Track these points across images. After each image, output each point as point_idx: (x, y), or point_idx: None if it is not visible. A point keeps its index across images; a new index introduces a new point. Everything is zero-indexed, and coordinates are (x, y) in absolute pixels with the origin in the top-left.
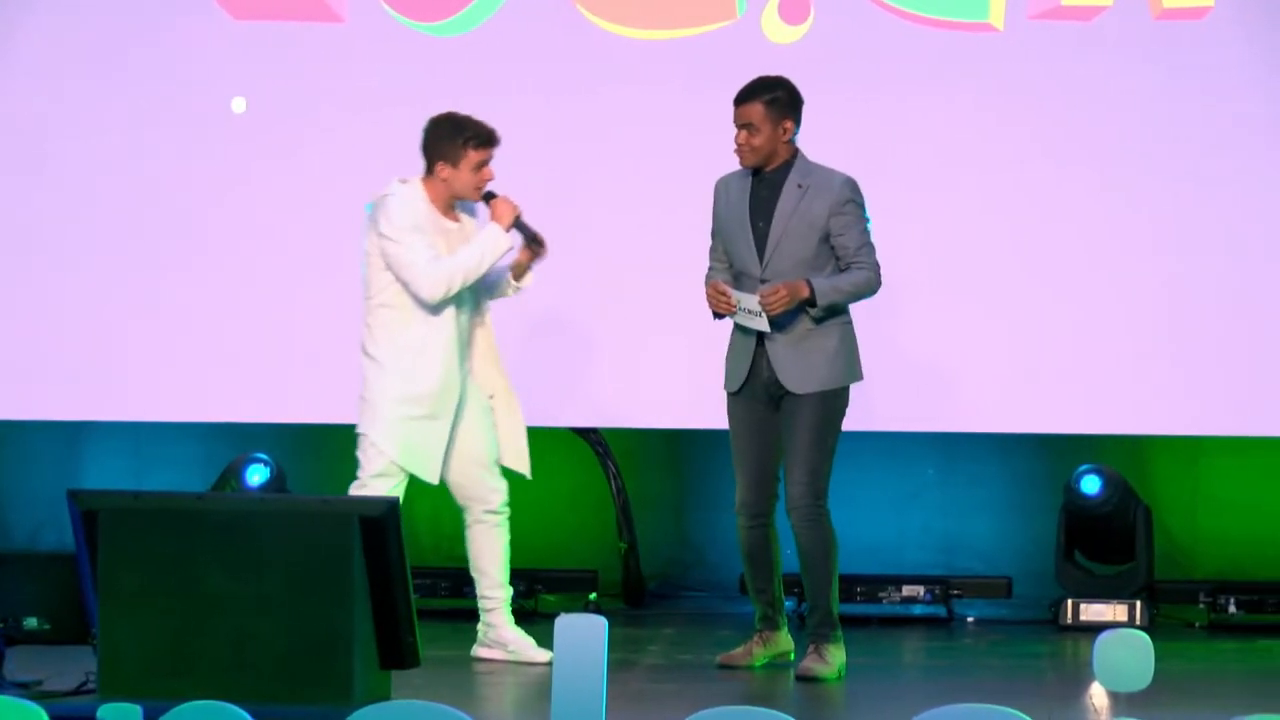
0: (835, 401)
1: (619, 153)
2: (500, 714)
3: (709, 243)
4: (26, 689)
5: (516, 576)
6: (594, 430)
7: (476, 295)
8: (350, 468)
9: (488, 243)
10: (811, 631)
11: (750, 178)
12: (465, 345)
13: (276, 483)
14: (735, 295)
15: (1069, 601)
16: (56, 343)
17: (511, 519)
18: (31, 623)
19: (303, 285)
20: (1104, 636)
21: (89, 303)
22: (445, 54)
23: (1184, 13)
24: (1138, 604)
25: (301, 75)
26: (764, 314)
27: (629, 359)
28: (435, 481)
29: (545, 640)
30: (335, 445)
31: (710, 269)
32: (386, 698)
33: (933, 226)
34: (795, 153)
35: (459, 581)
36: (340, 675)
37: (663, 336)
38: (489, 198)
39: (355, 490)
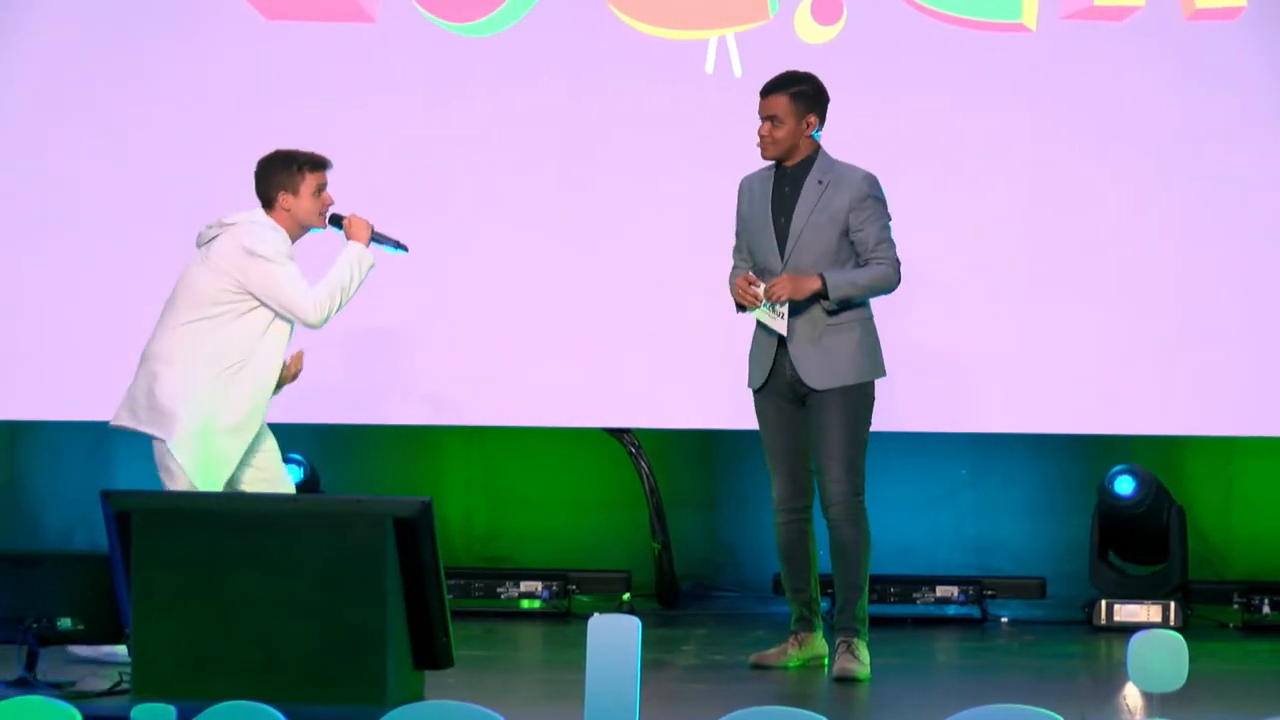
0: (860, 396)
1: (651, 152)
2: (533, 714)
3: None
4: (60, 690)
5: (550, 577)
6: (627, 430)
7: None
8: (385, 469)
9: (355, 260)
10: (842, 629)
11: (772, 175)
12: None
13: (310, 483)
14: (763, 290)
15: (1103, 602)
16: (87, 343)
17: (545, 520)
18: (65, 623)
19: None
20: (1138, 637)
21: (119, 303)
22: (477, 54)
23: (1216, 13)
24: (1171, 604)
25: (332, 75)
26: (784, 316)
27: (662, 359)
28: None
29: (579, 641)
30: (369, 446)
31: (734, 268)
32: (420, 698)
33: (965, 226)
34: (817, 149)
35: (492, 582)
36: (373, 676)
37: (695, 336)
38: (336, 221)
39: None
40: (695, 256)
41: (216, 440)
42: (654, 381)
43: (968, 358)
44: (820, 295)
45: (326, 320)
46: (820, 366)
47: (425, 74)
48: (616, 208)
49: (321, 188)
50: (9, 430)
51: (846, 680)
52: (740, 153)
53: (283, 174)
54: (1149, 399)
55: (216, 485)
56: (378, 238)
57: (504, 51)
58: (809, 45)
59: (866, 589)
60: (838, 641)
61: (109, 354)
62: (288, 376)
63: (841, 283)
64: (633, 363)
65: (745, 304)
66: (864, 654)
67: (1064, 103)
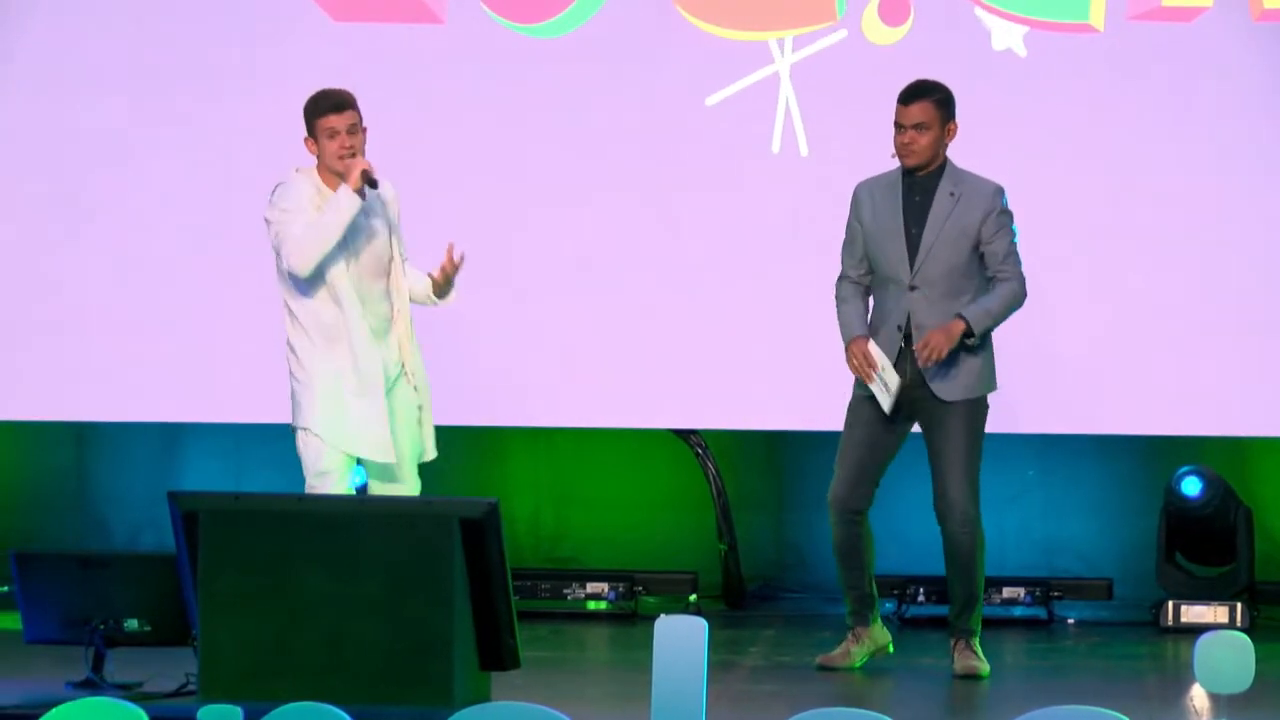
0: (980, 408)
1: (717, 153)
2: (600, 716)
3: (839, 250)
4: (127, 690)
5: (617, 578)
6: (694, 431)
7: (386, 288)
8: (452, 470)
9: (337, 203)
10: (958, 632)
11: (899, 182)
12: (382, 333)
13: None
14: (879, 359)
15: (1170, 603)
16: (156, 344)
17: (612, 521)
18: (132, 624)
19: None
20: (1204, 638)
21: (189, 305)
22: (545, 56)
23: None
24: (1238, 605)
25: (400, 77)
26: (893, 395)
27: (729, 360)
28: (391, 459)
29: (646, 642)
30: (436, 447)
31: (842, 278)
32: (486, 699)
33: (1033, 227)
34: (946, 159)
35: (559, 583)
36: (440, 677)
37: (763, 338)
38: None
39: (308, 490)
40: (764, 258)
41: (351, 409)
42: (721, 382)
43: (1035, 359)
44: (965, 334)
45: (312, 264)
46: (948, 378)
47: (493, 75)
48: (686, 209)
49: (335, 131)
50: (76, 431)
51: (970, 677)
52: (813, 155)
53: (308, 121)
54: (1216, 400)
55: (383, 450)
56: (368, 179)
57: (571, 53)
58: (876, 46)
59: (982, 596)
60: (953, 641)
61: (175, 355)
62: (448, 273)
63: (981, 316)
64: (699, 364)
65: (862, 379)
66: (980, 650)
67: (1131, 103)
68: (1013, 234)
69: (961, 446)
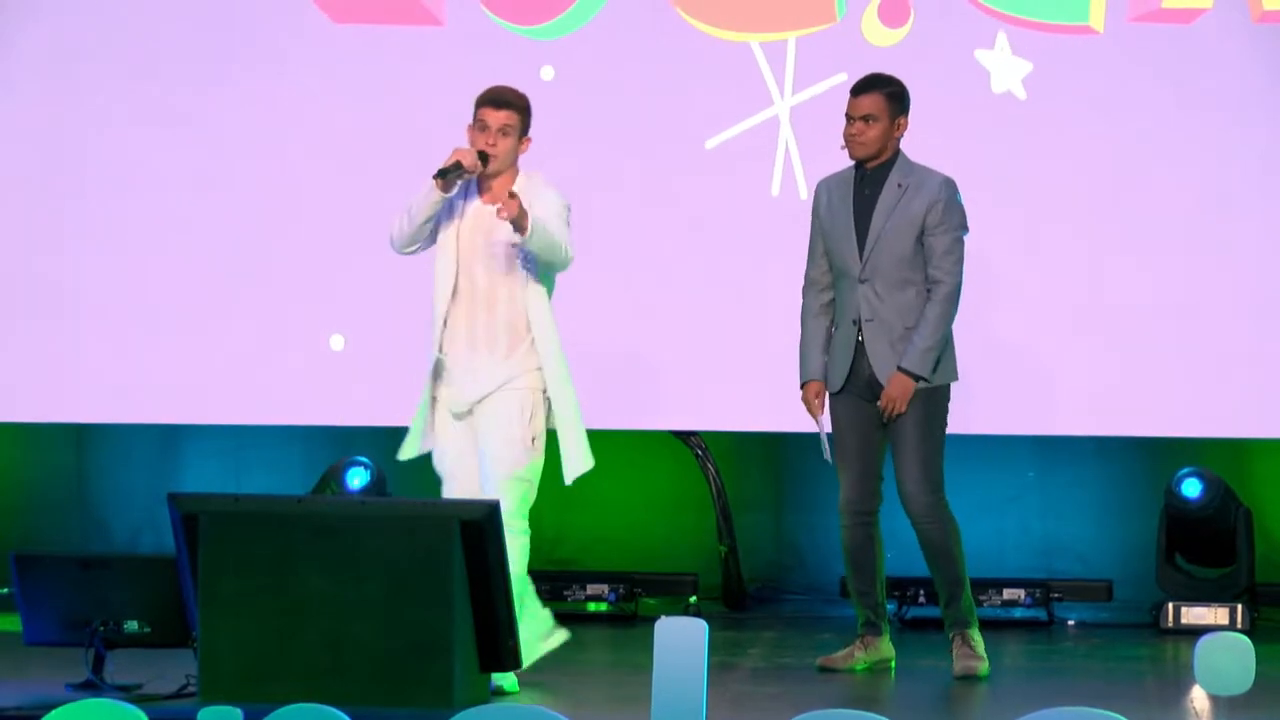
0: (935, 397)
1: (718, 155)
2: (599, 717)
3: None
4: (127, 692)
5: (617, 579)
6: (694, 433)
7: (492, 277)
8: None
9: (422, 189)
10: (952, 624)
11: (852, 177)
12: (478, 329)
13: (377, 486)
14: (823, 422)
15: (1170, 605)
16: (156, 346)
17: (612, 523)
18: (132, 626)
19: (402, 289)
20: (1204, 640)
21: (188, 307)
22: (545, 57)
23: None
24: (1239, 607)
25: (400, 79)
26: (829, 453)
27: (729, 362)
28: (401, 457)
29: (646, 644)
30: None
31: (806, 281)
32: (486, 701)
33: (1032, 229)
34: (898, 152)
35: (559, 584)
36: (440, 678)
37: (763, 339)
38: (484, 159)
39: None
40: (767, 259)
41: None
42: (721, 384)
43: (1035, 360)
44: (918, 378)
45: (399, 245)
46: (892, 369)
47: (493, 77)
48: (685, 209)
49: (483, 124)
50: (76, 432)
51: (969, 679)
52: (815, 158)
53: (473, 109)
54: (1216, 401)
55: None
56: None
57: (571, 54)
58: (876, 47)
59: (967, 581)
60: (951, 637)
61: (174, 356)
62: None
63: (923, 358)
64: (700, 366)
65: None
66: (980, 646)
67: (1130, 104)
68: (958, 230)
69: (913, 438)
